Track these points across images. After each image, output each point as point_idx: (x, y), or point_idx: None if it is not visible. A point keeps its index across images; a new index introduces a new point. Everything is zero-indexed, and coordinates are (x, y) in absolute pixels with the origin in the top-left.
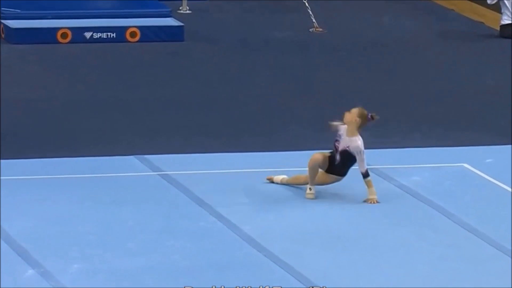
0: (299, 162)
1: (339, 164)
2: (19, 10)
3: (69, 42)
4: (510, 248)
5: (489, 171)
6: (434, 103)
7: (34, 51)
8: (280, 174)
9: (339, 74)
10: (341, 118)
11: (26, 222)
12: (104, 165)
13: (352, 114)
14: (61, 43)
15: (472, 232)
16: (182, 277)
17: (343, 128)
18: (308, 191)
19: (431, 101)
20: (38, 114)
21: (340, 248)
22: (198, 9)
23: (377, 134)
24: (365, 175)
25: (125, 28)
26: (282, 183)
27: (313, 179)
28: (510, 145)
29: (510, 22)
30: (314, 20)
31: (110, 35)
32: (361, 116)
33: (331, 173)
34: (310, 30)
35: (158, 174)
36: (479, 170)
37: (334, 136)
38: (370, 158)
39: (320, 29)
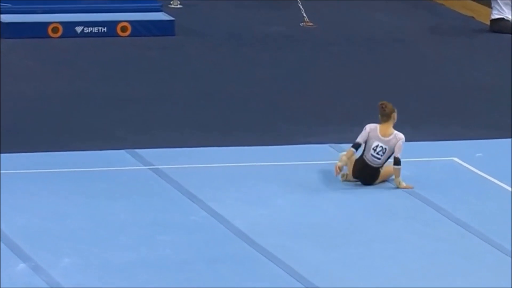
0: (292, 157)
1: (380, 165)
2: (10, 5)
3: (60, 37)
4: (500, 242)
5: (479, 165)
6: (424, 97)
7: (25, 45)
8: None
9: (331, 69)
10: (375, 117)
11: (16, 217)
12: (96, 160)
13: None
14: (52, 37)
15: (462, 226)
16: (173, 271)
17: (374, 131)
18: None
19: (421, 96)
20: (28, 109)
21: (332, 243)
22: (189, 4)
23: None
24: (400, 162)
25: (116, 22)
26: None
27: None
28: (499, 139)
29: (500, 16)
30: (304, 15)
31: (101, 29)
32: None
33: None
34: (300, 24)
35: (149, 169)
36: (469, 164)
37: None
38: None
39: (311, 24)
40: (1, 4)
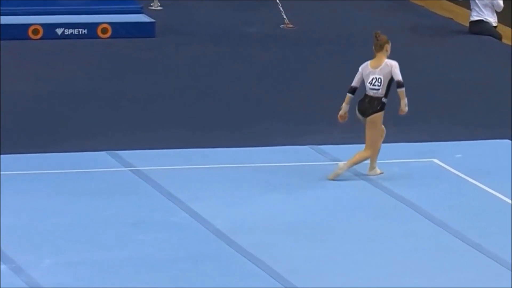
0: (272, 158)
1: (382, 94)
2: None
3: (40, 38)
4: (477, 241)
5: (459, 166)
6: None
7: (5, 47)
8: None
9: (311, 68)
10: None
11: None
12: (76, 161)
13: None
14: (32, 39)
15: (439, 225)
16: (154, 270)
17: (365, 68)
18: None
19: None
20: (8, 110)
21: (311, 241)
22: (169, 6)
23: (347, 130)
24: (402, 85)
25: (97, 24)
26: (347, 167)
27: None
28: (480, 141)
29: (479, 18)
30: (285, 17)
31: (82, 31)
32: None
33: (376, 112)
34: (281, 26)
35: (130, 170)
36: (449, 166)
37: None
38: (340, 154)
39: (291, 26)
40: None
